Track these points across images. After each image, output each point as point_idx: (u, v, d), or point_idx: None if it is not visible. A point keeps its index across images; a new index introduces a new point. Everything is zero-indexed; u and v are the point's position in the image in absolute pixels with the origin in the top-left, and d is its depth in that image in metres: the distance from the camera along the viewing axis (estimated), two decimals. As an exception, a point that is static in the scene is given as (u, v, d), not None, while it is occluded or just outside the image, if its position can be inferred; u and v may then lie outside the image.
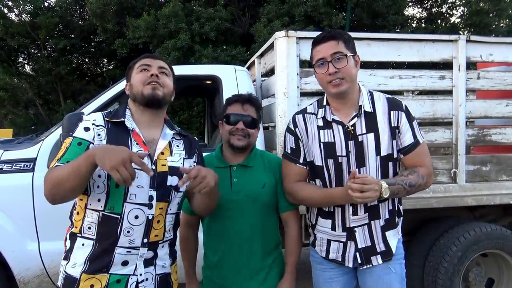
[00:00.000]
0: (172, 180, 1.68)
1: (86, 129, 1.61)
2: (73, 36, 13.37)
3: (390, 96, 1.88)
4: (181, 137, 1.81)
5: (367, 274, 1.87)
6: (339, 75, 1.72)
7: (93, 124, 1.63)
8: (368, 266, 1.84)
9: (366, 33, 3.69)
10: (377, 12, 12.06)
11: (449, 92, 3.05)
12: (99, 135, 1.61)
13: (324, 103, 1.87)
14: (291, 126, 1.93)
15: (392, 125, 1.79)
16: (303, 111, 1.94)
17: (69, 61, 14.16)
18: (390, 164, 1.81)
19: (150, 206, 1.61)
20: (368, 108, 1.80)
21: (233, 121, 1.93)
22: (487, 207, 3.37)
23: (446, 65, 3.10)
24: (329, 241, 1.88)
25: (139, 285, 1.63)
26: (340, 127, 1.80)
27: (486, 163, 3.09)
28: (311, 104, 1.95)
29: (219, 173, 1.82)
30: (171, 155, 1.71)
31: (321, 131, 1.83)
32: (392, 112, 1.80)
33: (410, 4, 15.03)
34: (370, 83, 2.86)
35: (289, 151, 1.92)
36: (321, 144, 1.82)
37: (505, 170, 3.11)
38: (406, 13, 14.76)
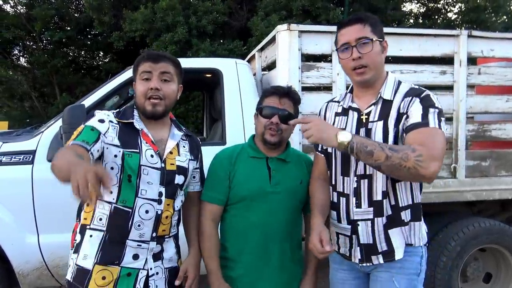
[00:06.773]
0: (179, 179, 1.73)
1: (101, 121, 1.64)
2: (68, 28, 13.23)
3: (417, 86, 1.73)
4: (187, 138, 1.84)
5: (372, 282, 1.80)
6: (363, 62, 1.63)
7: (108, 116, 1.68)
8: (368, 264, 1.76)
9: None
10: (375, 7, 12.04)
11: (450, 87, 3.05)
12: (114, 128, 1.66)
13: (348, 90, 1.84)
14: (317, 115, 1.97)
15: (401, 111, 1.64)
16: (331, 100, 1.95)
17: (65, 53, 14.04)
18: None
19: (159, 202, 1.66)
20: (387, 96, 1.69)
21: (267, 114, 1.84)
22: (485, 202, 3.38)
23: (447, 60, 3.11)
24: (338, 234, 1.83)
25: (150, 279, 1.67)
26: (355, 114, 1.74)
27: (485, 158, 3.10)
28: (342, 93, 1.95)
29: (254, 163, 1.81)
30: (179, 155, 1.75)
31: (337, 118, 1.81)
32: (405, 99, 1.65)
33: (407, -1, 15.02)
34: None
35: None
36: None
37: (504, 166, 3.13)
38: (404, 8, 14.76)
